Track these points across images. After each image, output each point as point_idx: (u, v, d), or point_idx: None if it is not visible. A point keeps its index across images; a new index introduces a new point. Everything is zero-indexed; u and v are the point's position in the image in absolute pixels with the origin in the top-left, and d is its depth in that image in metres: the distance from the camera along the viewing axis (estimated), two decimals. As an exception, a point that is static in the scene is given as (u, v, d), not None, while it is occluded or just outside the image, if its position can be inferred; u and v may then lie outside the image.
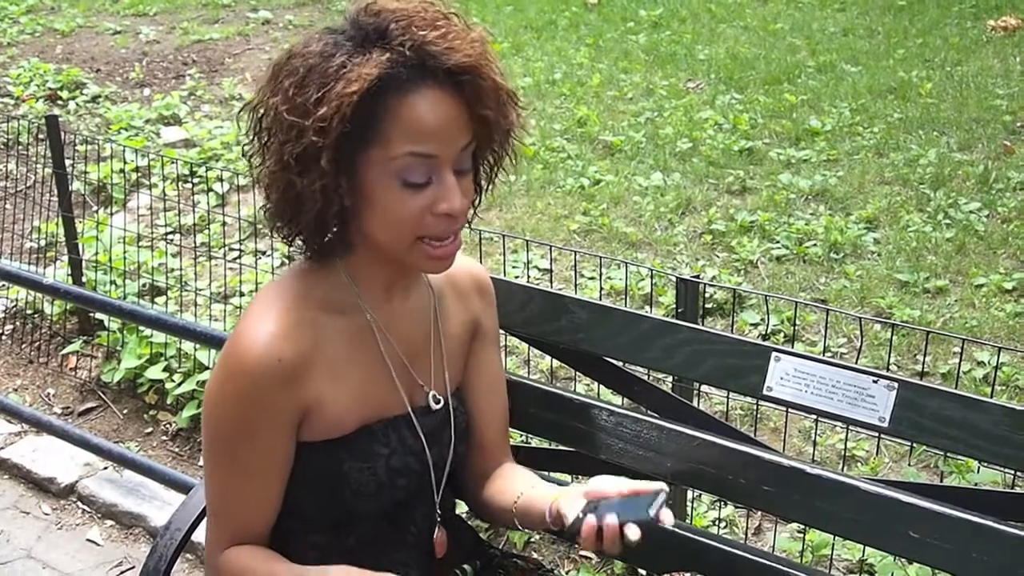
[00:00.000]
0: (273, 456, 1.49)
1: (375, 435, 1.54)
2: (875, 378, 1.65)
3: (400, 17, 1.40)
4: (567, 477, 2.20)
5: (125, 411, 3.85)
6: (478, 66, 1.41)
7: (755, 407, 3.06)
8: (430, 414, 1.61)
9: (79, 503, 3.41)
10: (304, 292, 1.51)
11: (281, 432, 1.48)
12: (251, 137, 1.48)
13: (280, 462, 1.50)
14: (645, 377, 2.16)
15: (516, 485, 1.66)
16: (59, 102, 6.61)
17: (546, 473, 2.00)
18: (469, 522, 1.85)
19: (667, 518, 1.36)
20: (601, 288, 3.65)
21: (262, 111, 1.45)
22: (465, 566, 1.70)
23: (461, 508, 1.83)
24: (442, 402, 1.63)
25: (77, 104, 6.58)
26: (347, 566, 1.46)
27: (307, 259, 1.53)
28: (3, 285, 4.47)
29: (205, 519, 1.59)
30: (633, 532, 1.35)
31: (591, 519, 1.39)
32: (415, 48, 1.38)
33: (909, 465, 3.02)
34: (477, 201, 1.58)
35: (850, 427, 1.96)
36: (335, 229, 1.46)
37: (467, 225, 1.58)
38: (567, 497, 1.48)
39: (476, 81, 1.41)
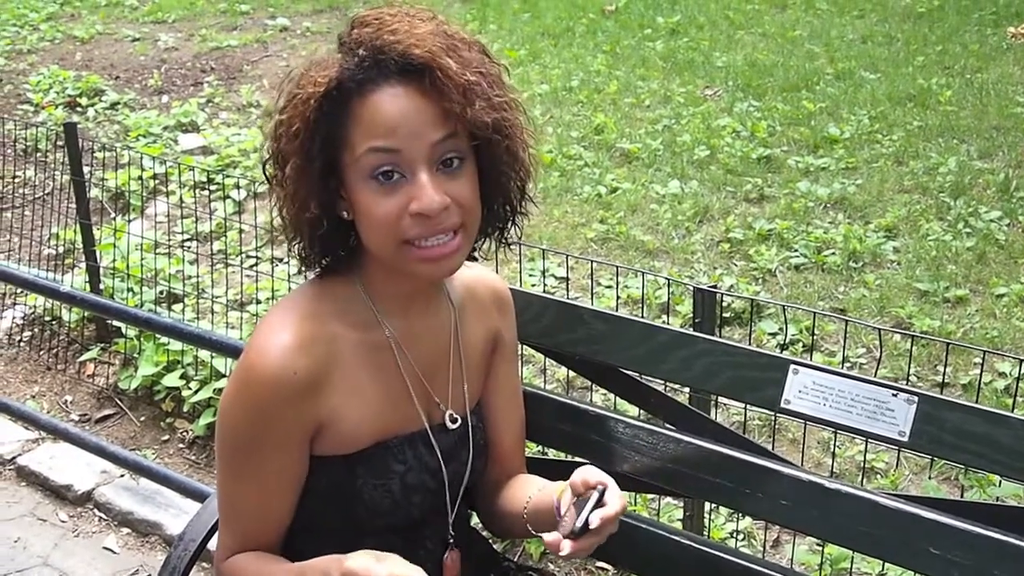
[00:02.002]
0: (284, 467, 1.48)
1: (391, 451, 1.52)
2: (894, 392, 1.63)
3: (368, 23, 1.41)
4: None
5: (142, 418, 3.86)
6: (434, 58, 1.37)
7: (773, 418, 3.04)
8: (447, 432, 1.60)
9: (96, 511, 3.41)
10: (322, 305, 1.50)
11: (293, 444, 1.47)
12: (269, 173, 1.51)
13: (290, 473, 1.49)
14: (662, 389, 2.14)
15: (526, 490, 1.65)
16: (78, 109, 6.65)
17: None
18: (483, 533, 1.84)
19: (593, 520, 1.36)
20: (618, 297, 3.64)
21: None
22: (479, 579, 1.69)
23: (475, 519, 1.82)
24: (459, 421, 1.61)
25: (96, 111, 6.61)
26: (367, 551, 1.35)
27: (317, 274, 1.54)
28: (21, 292, 4.49)
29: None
30: (564, 549, 1.36)
31: (547, 538, 1.39)
32: (371, 47, 1.39)
33: (930, 478, 3.00)
34: (508, 222, 1.54)
35: (869, 440, 1.94)
36: (333, 243, 1.47)
37: (502, 243, 1.56)
38: (567, 491, 1.46)
39: (435, 74, 1.37)
